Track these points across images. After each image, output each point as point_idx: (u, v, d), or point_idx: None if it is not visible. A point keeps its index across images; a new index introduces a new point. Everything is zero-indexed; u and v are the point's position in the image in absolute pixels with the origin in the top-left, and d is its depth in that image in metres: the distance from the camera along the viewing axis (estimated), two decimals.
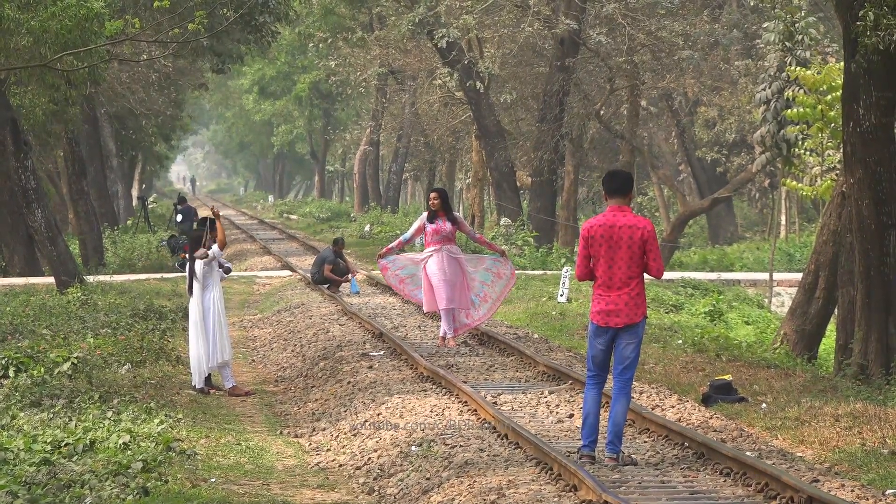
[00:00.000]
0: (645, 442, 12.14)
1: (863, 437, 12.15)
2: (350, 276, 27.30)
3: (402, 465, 11.72)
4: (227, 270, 16.92)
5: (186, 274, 16.74)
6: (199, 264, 16.35)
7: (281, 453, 13.06)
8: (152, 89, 46.27)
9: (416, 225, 18.80)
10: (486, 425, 12.82)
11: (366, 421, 13.72)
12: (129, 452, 11.66)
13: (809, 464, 11.33)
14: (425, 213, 18.76)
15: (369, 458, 12.27)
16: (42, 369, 15.96)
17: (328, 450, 13.07)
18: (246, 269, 36.36)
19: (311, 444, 13.51)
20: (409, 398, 14.43)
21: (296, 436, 14.04)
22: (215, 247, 16.38)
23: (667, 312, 25.79)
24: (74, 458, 11.44)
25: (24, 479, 10.53)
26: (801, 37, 31.10)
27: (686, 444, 11.68)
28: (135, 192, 64.67)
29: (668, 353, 18.16)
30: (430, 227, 18.53)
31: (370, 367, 16.99)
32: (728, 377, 15.01)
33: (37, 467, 10.98)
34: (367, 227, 51.12)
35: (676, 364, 17.03)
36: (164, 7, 20.92)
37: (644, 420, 12.65)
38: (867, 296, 15.96)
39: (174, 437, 12.59)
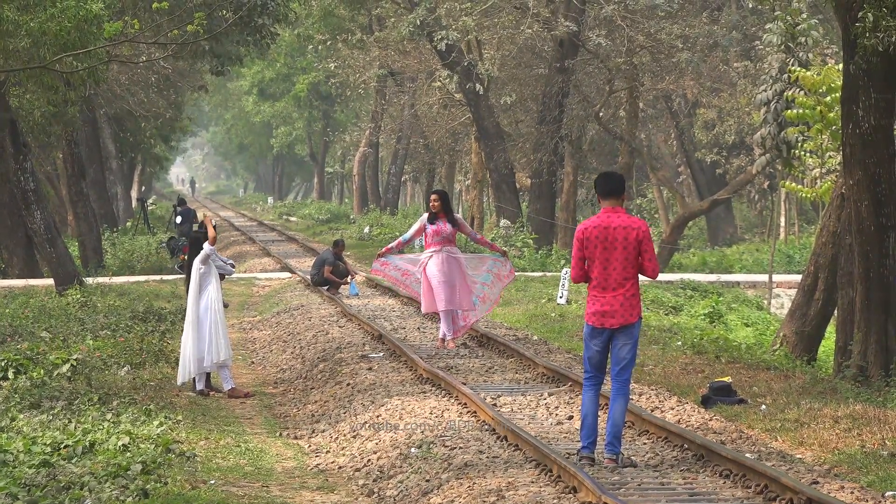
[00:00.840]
0: (644, 444, 12.14)
1: (862, 439, 12.15)
2: (349, 278, 27.30)
3: (401, 466, 11.71)
4: (229, 272, 16.92)
5: (185, 275, 16.76)
6: (195, 266, 16.35)
7: (280, 455, 13.06)
8: (151, 91, 46.28)
9: (416, 226, 18.80)
10: (486, 427, 12.82)
11: (365, 423, 13.71)
12: (128, 454, 11.65)
13: (809, 465, 11.32)
14: (426, 215, 18.77)
15: (369, 460, 12.26)
16: (41, 371, 15.95)
17: (327, 451, 13.07)
18: (245, 271, 36.35)
19: (310, 446, 13.50)
20: (409, 400, 14.43)
21: (295, 437, 14.04)
22: (206, 244, 16.38)
23: (666, 314, 25.79)
24: (74, 460, 11.44)
25: (23, 481, 10.52)
26: (802, 38, 31.09)
27: (685, 445, 11.68)
28: (134, 194, 64.67)
29: (668, 354, 18.15)
30: (430, 229, 18.54)
31: (370, 368, 16.98)
32: (727, 379, 15.01)
33: (36, 469, 10.97)
34: (366, 229, 51.13)
35: (676, 366, 17.03)
36: (164, 9, 20.92)
37: (643, 422, 12.64)
38: (866, 297, 15.96)
39: (173, 439, 12.59)
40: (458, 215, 19.13)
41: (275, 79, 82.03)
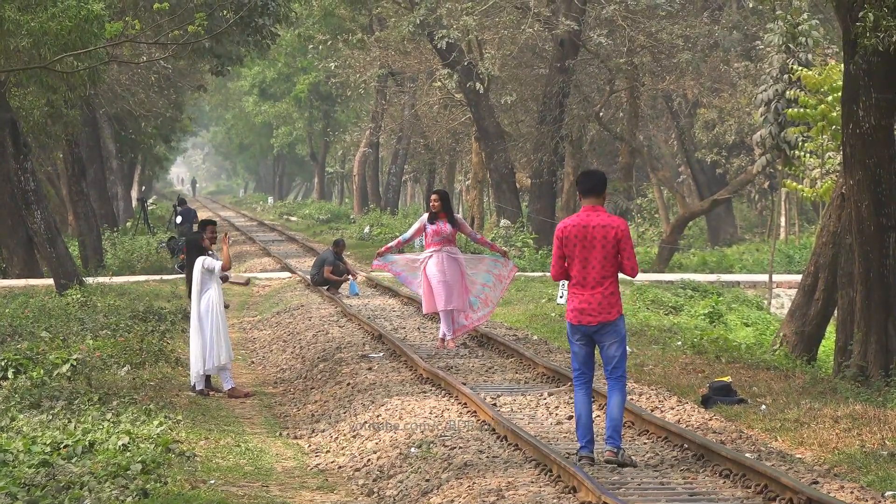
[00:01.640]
0: (644, 443, 12.14)
1: (862, 439, 12.15)
2: (350, 277, 27.30)
3: (401, 466, 11.72)
4: (224, 278, 16.94)
5: (185, 276, 16.77)
6: (197, 268, 16.35)
7: (280, 455, 13.06)
8: (152, 91, 46.27)
9: (416, 225, 18.80)
10: (486, 427, 12.82)
11: (365, 422, 13.72)
12: (128, 454, 11.65)
13: (809, 465, 11.32)
14: (426, 214, 18.77)
15: (368, 460, 12.27)
16: (41, 371, 15.95)
17: (327, 451, 13.07)
18: (245, 271, 36.35)
19: (310, 446, 13.51)
20: (409, 400, 14.43)
21: (295, 437, 14.04)
22: (218, 265, 16.38)
23: (666, 314, 25.79)
24: (74, 460, 11.44)
25: (23, 481, 10.52)
26: (803, 39, 31.09)
27: (685, 445, 11.68)
28: (134, 194, 64.64)
29: (668, 354, 18.15)
30: (430, 229, 18.53)
31: (370, 368, 16.99)
32: (727, 379, 15.01)
33: (36, 469, 10.97)
34: (366, 229, 51.13)
35: (676, 366, 17.03)
36: (164, 9, 20.93)
37: (643, 422, 12.64)
38: (867, 297, 15.96)
39: (173, 439, 12.59)
40: (459, 216, 19.12)
41: (275, 79, 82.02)
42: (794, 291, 24.28)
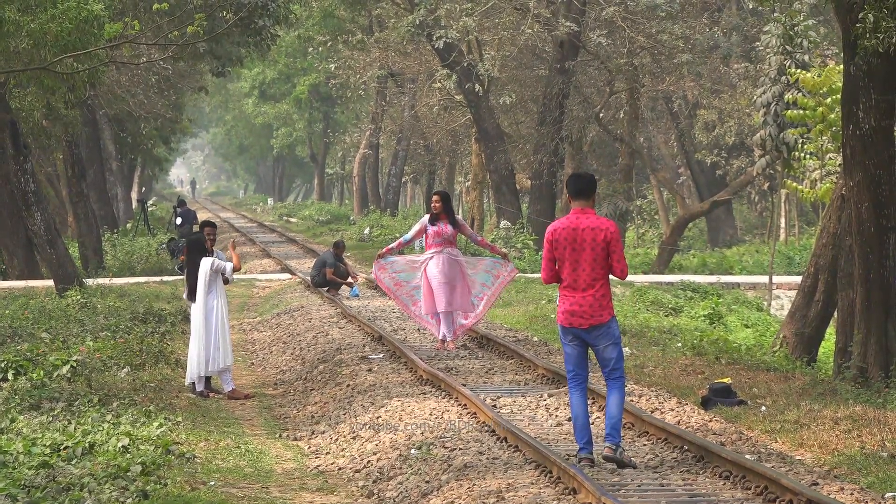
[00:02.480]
0: (644, 445, 12.13)
1: (862, 441, 12.14)
2: (351, 280, 27.30)
3: (401, 468, 11.71)
4: (226, 280, 16.96)
5: (185, 278, 16.77)
6: (203, 270, 16.34)
7: (280, 456, 13.06)
8: (152, 92, 46.25)
9: (416, 227, 18.80)
10: (486, 428, 12.82)
11: (365, 424, 13.72)
12: (128, 455, 11.65)
13: (809, 467, 11.32)
14: (427, 216, 18.77)
15: (368, 461, 12.26)
16: (41, 372, 15.95)
17: (327, 453, 13.07)
18: (245, 272, 36.35)
19: (310, 447, 13.50)
20: (409, 401, 14.43)
21: (295, 439, 14.04)
22: (230, 266, 16.40)
23: (666, 315, 25.79)
24: (74, 462, 11.44)
25: (23, 483, 10.52)
26: (800, 40, 31.10)
27: (685, 447, 11.68)
28: (134, 195, 64.63)
29: (668, 356, 18.15)
30: (431, 230, 18.53)
31: (370, 370, 16.98)
32: (727, 380, 15.01)
33: (36, 470, 10.97)
34: (366, 230, 51.13)
35: (676, 367, 17.03)
36: (164, 10, 20.92)
37: (643, 423, 12.64)
38: (867, 299, 15.95)
39: (173, 441, 12.59)
40: (460, 217, 19.12)
41: (275, 80, 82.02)
42: (793, 293, 24.29)
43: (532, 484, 10.58)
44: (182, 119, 57.35)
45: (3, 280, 31.58)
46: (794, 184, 30.28)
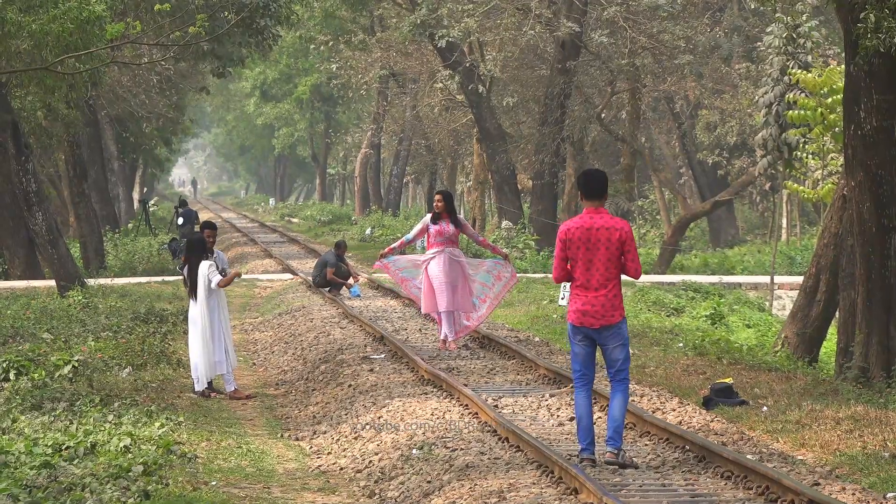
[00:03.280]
0: (646, 445, 12.14)
1: (864, 441, 12.14)
2: (352, 280, 27.31)
3: (402, 468, 11.72)
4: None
5: (185, 278, 16.77)
6: (202, 269, 16.35)
7: (282, 456, 13.06)
8: (153, 92, 46.28)
9: (419, 226, 18.79)
10: (487, 428, 12.82)
11: (367, 424, 13.72)
12: (129, 456, 11.66)
13: (810, 467, 11.32)
14: (429, 215, 18.77)
15: (370, 462, 12.27)
16: (43, 373, 15.95)
17: (329, 453, 13.07)
18: (247, 272, 36.35)
19: (311, 447, 13.51)
20: (410, 401, 14.43)
21: (297, 439, 14.04)
22: (216, 280, 16.39)
23: (668, 316, 25.78)
24: (75, 462, 11.44)
25: (24, 483, 10.53)
26: (803, 40, 31.10)
27: (687, 447, 11.68)
28: (136, 195, 64.69)
29: (669, 356, 18.15)
30: (433, 229, 18.53)
31: (371, 370, 16.99)
32: (729, 380, 15.00)
33: (37, 470, 10.97)
34: (368, 230, 51.14)
35: (677, 367, 17.03)
36: (166, 10, 20.93)
37: (645, 423, 12.64)
38: (868, 299, 15.95)
39: (175, 441, 12.59)
40: (462, 217, 19.12)
41: (277, 80, 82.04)
42: (795, 293, 24.29)
43: (534, 484, 10.59)
44: (183, 119, 57.38)
45: (5, 280, 31.59)
46: (796, 185, 30.27)
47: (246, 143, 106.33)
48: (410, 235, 18.81)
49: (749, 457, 11.17)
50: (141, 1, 27.65)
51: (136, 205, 59.38)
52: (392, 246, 19.08)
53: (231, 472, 11.98)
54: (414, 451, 12.09)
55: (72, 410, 14.05)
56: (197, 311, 16.41)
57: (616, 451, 11.04)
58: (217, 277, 16.35)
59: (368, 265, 33.63)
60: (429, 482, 11.04)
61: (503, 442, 12.20)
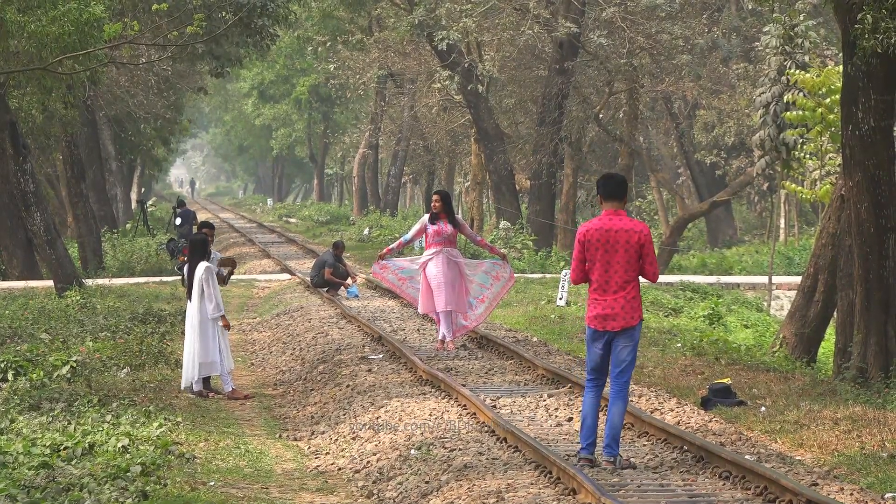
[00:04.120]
0: (644, 445, 12.14)
1: (862, 441, 12.15)
2: (350, 280, 27.30)
3: (401, 468, 11.72)
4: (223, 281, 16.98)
5: (184, 278, 16.78)
6: (198, 272, 16.34)
7: (280, 457, 13.06)
8: (151, 92, 46.26)
9: (417, 227, 18.80)
10: (485, 428, 12.82)
11: (365, 424, 13.72)
12: (127, 456, 11.66)
13: (808, 467, 11.32)
14: (427, 215, 18.77)
15: (368, 462, 12.26)
16: (41, 373, 15.95)
17: (327, 453, 13.07)
18: (245, 273, 36.34)
19: (310, 448, 13.50)
20: (409, 401, 14.43)
21: (295, 439, 14.04)
22: (212, 306, 16.39)
23: (666, 316, 25.79)
24: (73, 462, 11.44)
25: (22, 483, 10.52)
26: (800, 40, 31.11)
27: (685, 447, 11.68)
28: (134, 196, 64.63)
29: (667, 356, 18.15)
30: (431, 229, 18.53)
31: (369, 370, 16.99)
32: (727, 381, 15.01)
33: (36, 471, 10.97)
34: (366, 231, 51.14)
35: (675, 367, 17.03)
36: (163, 10, 20.92)
37: (643, 423, 12.65)
38: (866, 299, 15.96)
39: (173, 441, 12.59)
40: (460, 217, 19.13)
41: (274, 80, 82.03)
42: (793, 293, 24.30)
43: (532, 484, 10.59)
44: (181, 119, 57.34)
45: (3, 280, 31.58)
46: (794, 185, 30.28)
47: (244, 143, 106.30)
48: (408, 236, 18.81)
49: (747, 457, 11.18)
50: (139, 1, 27.65)
51: (133, 205, 59.35)
52: (390, 247, 19.09)
53: (229, 473, 11.98)
54: (412, 451, 12.09)
55: (70, 411, 14.04)
56: (192, 311, 16.40)
57: (612, 459, 11.04)
58: (212, 304, 16.30)
59: (366, 265, 33.63)
60: (427, 482, 11.04)
61: (501, 442, 12.20)
